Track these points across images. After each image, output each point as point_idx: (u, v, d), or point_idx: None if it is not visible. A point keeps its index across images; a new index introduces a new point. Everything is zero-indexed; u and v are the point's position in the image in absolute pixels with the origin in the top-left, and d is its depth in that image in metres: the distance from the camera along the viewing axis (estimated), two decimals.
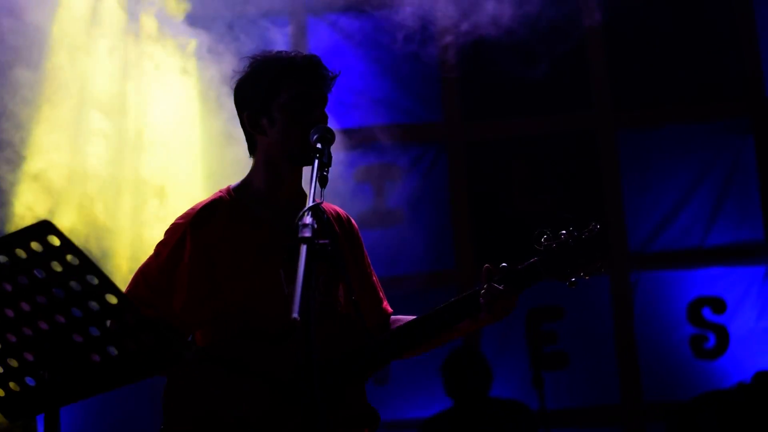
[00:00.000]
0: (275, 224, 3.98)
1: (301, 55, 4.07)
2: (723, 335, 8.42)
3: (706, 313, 8.47)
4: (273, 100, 3.96)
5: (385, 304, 4.32)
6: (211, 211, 3.96)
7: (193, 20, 8.14)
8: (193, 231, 3.90)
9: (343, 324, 3.91)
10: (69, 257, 2.99)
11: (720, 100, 8.77)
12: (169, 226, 4.00)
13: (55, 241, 2.96)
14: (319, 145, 3.71)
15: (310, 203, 3.31)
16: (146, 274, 3.95)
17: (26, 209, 7.52)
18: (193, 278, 3.85)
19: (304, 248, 3.05)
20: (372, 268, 4.36)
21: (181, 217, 3.97)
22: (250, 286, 3.87)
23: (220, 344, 3.86)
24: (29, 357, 3.19)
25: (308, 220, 3.15)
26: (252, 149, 4.07)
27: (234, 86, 4.10)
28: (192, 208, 3.99)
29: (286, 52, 4.09)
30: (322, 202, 3.38)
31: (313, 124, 3.91)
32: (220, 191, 4.06)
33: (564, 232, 4.02)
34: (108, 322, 3.10)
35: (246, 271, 3.88)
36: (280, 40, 8.69)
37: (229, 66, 7.08)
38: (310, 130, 3.87)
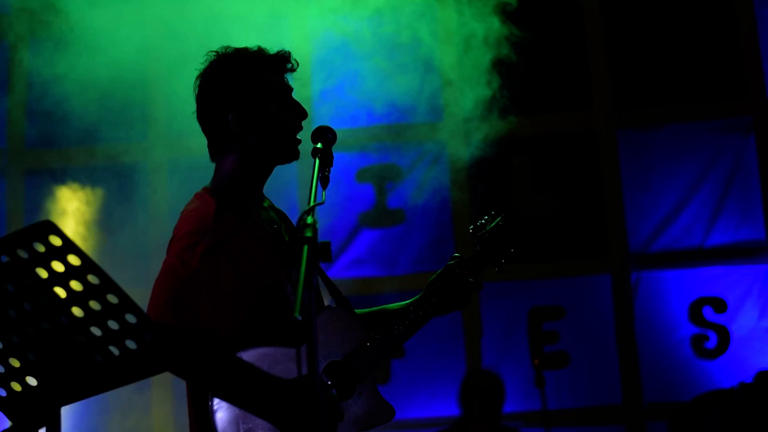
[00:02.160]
0: (272, 226, 3.99)
1: (274, 51, 4.02)
2: (724, 335, 8.42)
3: (707, 312, 8.47)
4: (261, 97, 3.91)
5: None
6: (222, 219, 3.80)
7: None
8: (213, 241, 3.72)
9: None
10: (70, 257, 2.98)
11: (721, 99, 8.77)
12: (179, 236, 3.78)
13: (57, 241, 2.95)
14: (320, 145, 3.70)
15: (311, 203, 3.31)
16: (179, 285, 3.65)
17: None
18: (224, 288, 3.72)
19: (305, 248, 3.05)
20: None
21: (197, 226, 3.76)
22: (272, 292, 3.82)
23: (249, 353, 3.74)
24: (31, 357, 3.19)
25: (311, 220, 3.15)
26: (226, 150, 3.94)
27: (206, 85, 3.96)
28: (205, 216, 3.79)
29: (258, 47, 4.01)
30: (323, 203, 3.38)
31: (299, 119, 3.93)
32: (204, 197, 3.89)
33: (483, 221, 4.48)
34: (109, 321, 3.10)
35: (265, 276, 3.81)
36: (281, 40, 8.69)
37: None
38: (297, 125, 3.90)
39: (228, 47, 4.01)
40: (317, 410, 2.99)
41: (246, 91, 3.90)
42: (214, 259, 3.69)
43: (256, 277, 3.77)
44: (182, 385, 3.84)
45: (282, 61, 3.98)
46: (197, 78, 4.01)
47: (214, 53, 4.00)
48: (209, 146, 4.00)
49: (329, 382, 3.79)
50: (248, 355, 3.68)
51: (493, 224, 4.46)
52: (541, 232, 8.65)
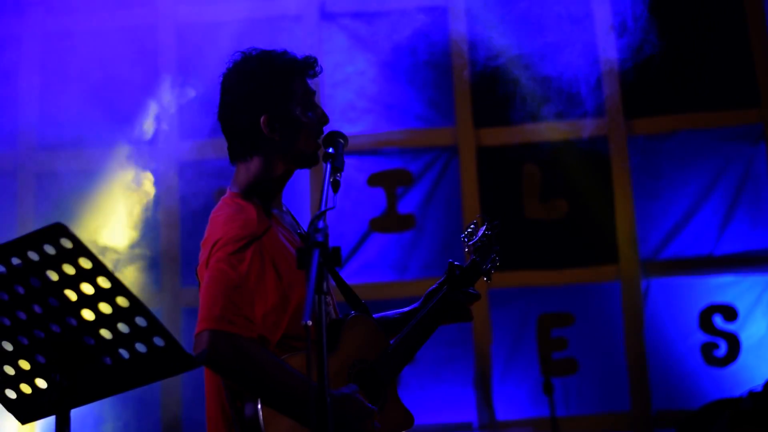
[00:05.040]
0: (296, 230, 4.00)
1: (300, 55, 4.05)
2: (734, 343, 8.40)
3: (717, 320, 8.45)
4: (289, 100, 3.91)
5: None
6: (263, 222, 3.79)
7: None
8: (260, 244, 3.71)
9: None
10: (81, 260, 2.99)
11: (732, 107, 8.75)
12: (223, 241, 3.73)
13: (68, 243, 2.96)
14: (331, 150, 3.71)
15: (322, 207, 3.31)
16: (232, 290, 3.61)
17: None
18: (270, 293, 3.69)
19: (316, 253, 3.05)
20: None
21: (243, 230, 3.73)
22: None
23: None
24: (41, 359, 3.19)
25: (321, 224, 3.15)
26: (252, 152, 3.93)
27: (236, 86, 3.96)
28: (249, 219, 3.76)
29: (284, 50, 4.02)
30: (334, 207, 3.38)
31: (321, 124, 3.94)
32: (237, 201, 3.87)
33: (472, 230, 4.51)
34: (119, 324, 3.09)
35: (299, 279, 3.73)
36: (292, 44, 8.71)
37: None
38: (320, 130, 3.90)
39: (254, 49, 4.01)
40: (327, 415, 2.99)
41: (276, 94, 3.90)
42: (260, 263, 3.69)
43: (294, 281, 3.76)
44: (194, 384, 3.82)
45: (308, 66, 4.00)
46: (223, 78, 4.01)
47: (240, 54, 4.00)
48: (232, 148, 3.99)
49: (359, 390, 3.79)
50: (295, 361, 3.67)
51: (481, 232, 4.49)
52: (551, 239, 8.65)
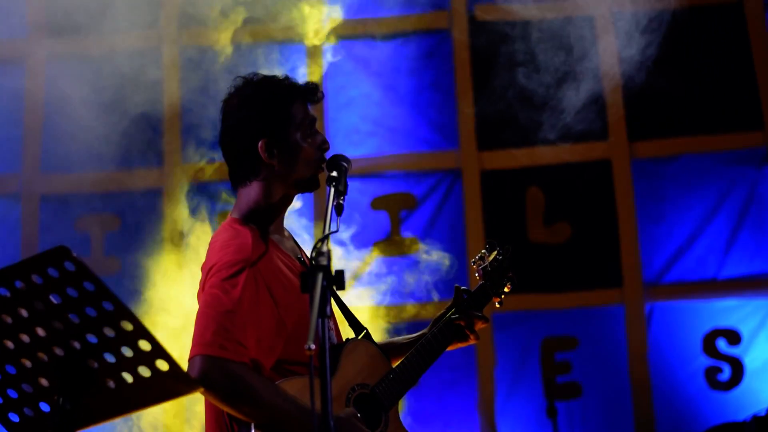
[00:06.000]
0: (296, 255, 4.00)
1: (301, 81, 4.05)
2: (738, 367, 8.39)
3: (721, 344, 8.44)
4: (288, 126, 3.91)
5: None
6: (259, 247, 3.80)
7: None
8: (253, 270, 3.72)
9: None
10: (85, 283, 2.99)
11: (735, 130, 8.76)
12: (218, 266, 3.73)
13: (72, 267, 2.96)
14: (335, 173, 3.71)
15: (326, 231, 3.31)
16: (224, 316, 3.62)
17: None
18: (264, 317, 3.70)
19: (320, 276, 3.05)
20: None
21: (236, 255, 3.74)
22: (305, 321, 3.67)
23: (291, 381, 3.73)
24: (44, 382, 3.19)
25: (325, 248, 3.15)
26: (252, 177, 3.93)
27: (236, 111, 3.96)
28: (243, 246, 3.76)
29: (285, 75, 4.03)
30: (337, 231, 3.38)
31: (322, 150, 3.94)
32: (235, 226, 3.87)
33: (483, 254, 4.55)
34: (122, 348, 3.09)
35: (298, 304, 3.78)
36: (296, 67, 8.74)
37: None
38: (321, 155, 3.90)
39: (255, 74, 4.02)
40: None
41: (275, 119, 3.90)
42: (254, 288, 3.69)
43: (290, 306, 3.77)
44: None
45: (308, 92, 3.99)
46: (224, 103, 4.02)
47: (241, 78, 4.01)
48: (232, 173, 4.00)
49: (359, 414, 3.79)
50: (290, 386, 3.67)
51: (492, 257, 4.52)
52: (555, 263, 8.65)
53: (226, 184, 5.57)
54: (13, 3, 8.68)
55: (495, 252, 4.52)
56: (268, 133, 3.89)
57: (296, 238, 4.21)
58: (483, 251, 4.55)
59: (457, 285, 4.41)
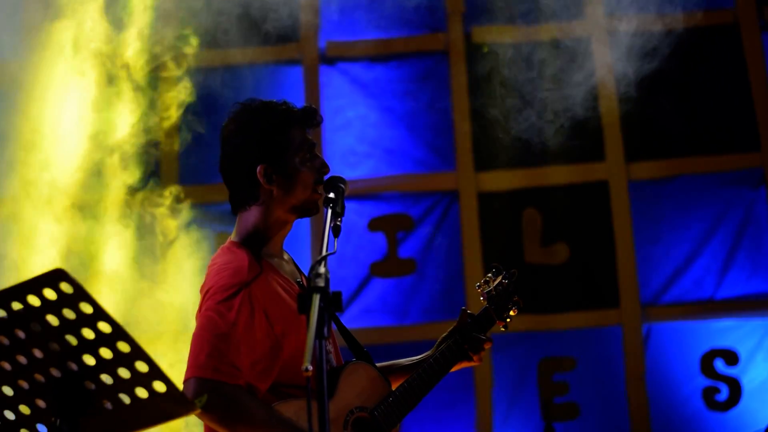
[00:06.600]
0: (295, 279, 4.00)
1: (298, 106, 4.05)
2: (735, 387, 8.38)
3: (719, 364, 8.44)
4: (286, 150, 3.90)
5: None
6: (255, 270, 3.79)
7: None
8: (249, 293, 3.72)
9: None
10: (82, 305, 2.98)
11: (732, 151, 8.78)
12: (214, 289, 3.75)
13: (68, 288, 2.96)
14: (332, 195, 3.71)
15: (323, 253, 3.31)
16: (218, 338, 3.63)
17: None
18: (260, 340, 3.70)
19: (317, 298, 3.05)
20: None
21: (232, 278, 3.75)
22: (303, 344, 3.77)
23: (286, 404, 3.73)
24: (41, 404, 3.18)
25: (322, 269, 3.15)
26: (251, 201, 3.93)
27: (234, 136, 3.96)
28: (240, 269, 3.77)
29: (284, 100, 4.02)
30: (335, 252, 3.38)
31: (321, 174, 3.93)
32: (233, 249, 3.88)
33: (488, 279, 4.53)
34: (119, 369, 3.09)
35: (295, 328, 3.77)
36: (292, 88, 8.76)
37: None
38: (319, 179, 3.90)
39: (252, 99, 4.03)
40: None
41: (272, 145, 3.90)
42: (250, 311, 3.69)
43: (287, 329, 3.76)
44: None
45: (306, 116, 3.99)
46: (223, 128, 4.02)
47: (239, 104, 4.02)
48: (232, 197, 3.99)
49: None
50: (285, 408, 3.68)
51: (497, 281, 4.51)
52: (553, 284, 8.65)
53: None
54: None
55: (500, 276, 4.51)
56: (266, 158, 3.89)
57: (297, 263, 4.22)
58: (489, 275, 4.53)
59: (463, 308, 4.38)
